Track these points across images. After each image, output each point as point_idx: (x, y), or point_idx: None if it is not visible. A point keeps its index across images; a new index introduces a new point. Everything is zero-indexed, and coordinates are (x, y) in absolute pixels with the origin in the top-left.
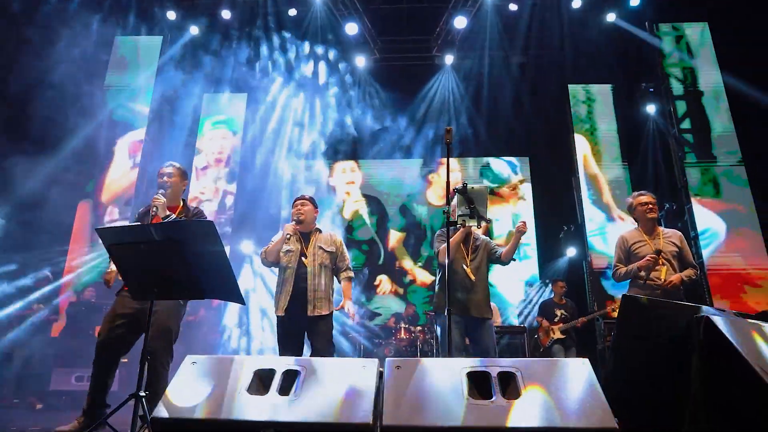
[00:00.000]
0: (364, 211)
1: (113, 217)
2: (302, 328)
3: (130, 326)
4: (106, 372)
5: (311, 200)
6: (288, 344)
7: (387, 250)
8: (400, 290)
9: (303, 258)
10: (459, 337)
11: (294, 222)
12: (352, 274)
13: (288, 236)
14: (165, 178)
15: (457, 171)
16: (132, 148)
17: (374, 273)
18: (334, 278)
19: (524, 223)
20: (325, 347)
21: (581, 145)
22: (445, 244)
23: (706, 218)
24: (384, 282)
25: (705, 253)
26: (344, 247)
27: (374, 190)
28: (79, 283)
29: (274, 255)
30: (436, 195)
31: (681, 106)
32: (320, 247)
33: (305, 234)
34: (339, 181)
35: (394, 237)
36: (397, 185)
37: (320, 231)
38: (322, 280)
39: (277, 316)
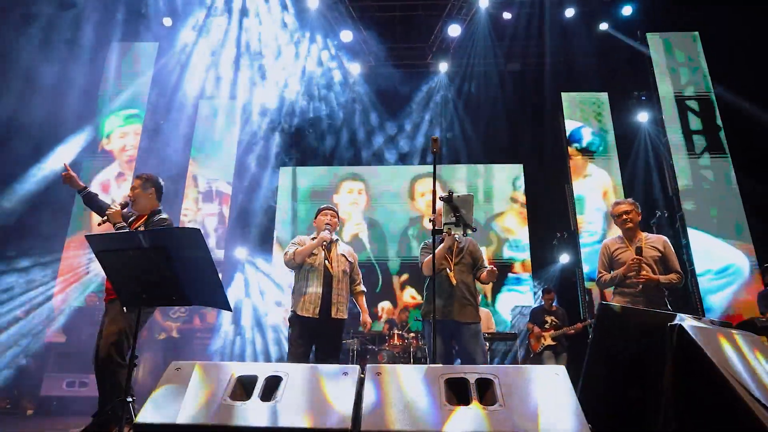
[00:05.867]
0: (364, 236)
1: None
2: (320, 329)
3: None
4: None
5: (337, 213)
6: (305, 344)
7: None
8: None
9: (327, 263)
10: (442, 344)
11: (327, 230)
12: (364, 288)
13: (325, 243)
14: (129, 191)
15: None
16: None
17: (373, 301)
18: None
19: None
20: (336, 355)
21: (575, 153)
22: (429, 256)
23: None
24: (385, 311)
25: None
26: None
27: (376, 221)
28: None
29: (303, 257)
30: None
31: (666, 114)
32: (343, 255)
33: (328, 243)
34: (343, 200)
35: (397, 280)
36: (400, 218)
37: (339, 241)
38: (344, 285)
39: (300, 317)
